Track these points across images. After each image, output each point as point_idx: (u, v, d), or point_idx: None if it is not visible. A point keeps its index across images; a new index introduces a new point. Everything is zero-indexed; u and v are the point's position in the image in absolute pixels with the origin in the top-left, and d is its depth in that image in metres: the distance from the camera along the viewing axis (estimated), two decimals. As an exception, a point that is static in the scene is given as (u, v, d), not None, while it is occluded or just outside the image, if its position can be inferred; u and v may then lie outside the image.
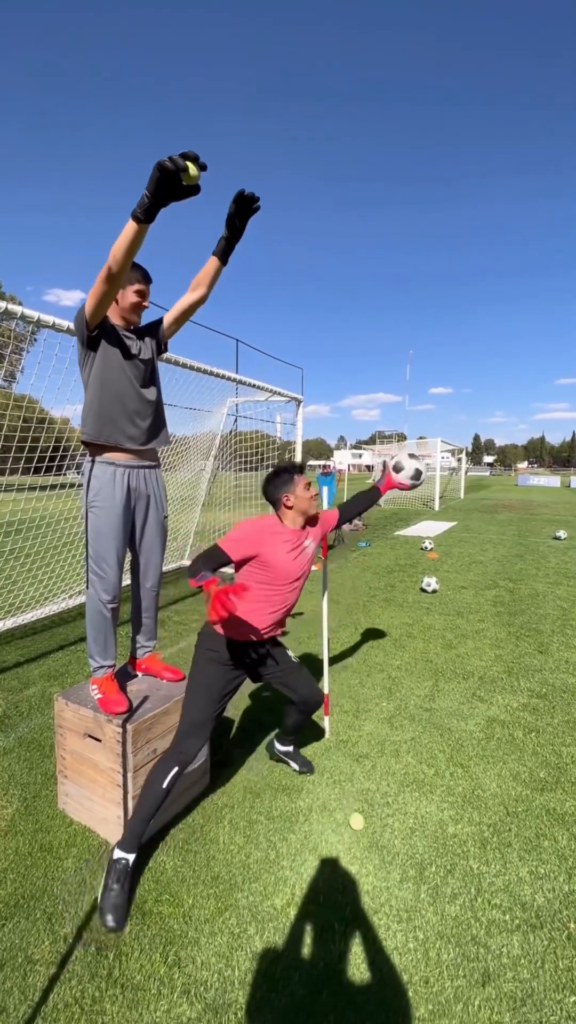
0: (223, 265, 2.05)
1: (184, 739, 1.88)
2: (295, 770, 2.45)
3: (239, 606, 1.93)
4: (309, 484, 2.12)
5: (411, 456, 2.43)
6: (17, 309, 3.01)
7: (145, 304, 2.17)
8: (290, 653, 2.26)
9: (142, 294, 2.12)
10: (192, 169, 1.46)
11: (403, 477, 2.40)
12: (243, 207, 1.83)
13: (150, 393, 2.18)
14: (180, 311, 2.23)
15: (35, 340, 4.10)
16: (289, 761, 2.48)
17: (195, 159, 1.45)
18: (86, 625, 2.17)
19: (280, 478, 2.11)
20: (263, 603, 2.05)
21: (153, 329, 2.25)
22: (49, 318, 3.12)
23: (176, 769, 1.81)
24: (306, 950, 1.58)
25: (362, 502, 2.46)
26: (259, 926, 1.65)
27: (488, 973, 1.51)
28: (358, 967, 1.53)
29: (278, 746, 2.51)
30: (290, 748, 2.49)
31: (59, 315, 3.23)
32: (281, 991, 1.45)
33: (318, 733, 2.81)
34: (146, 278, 2.13)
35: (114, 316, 2.12)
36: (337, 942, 1.60)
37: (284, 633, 2.24)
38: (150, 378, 2.21)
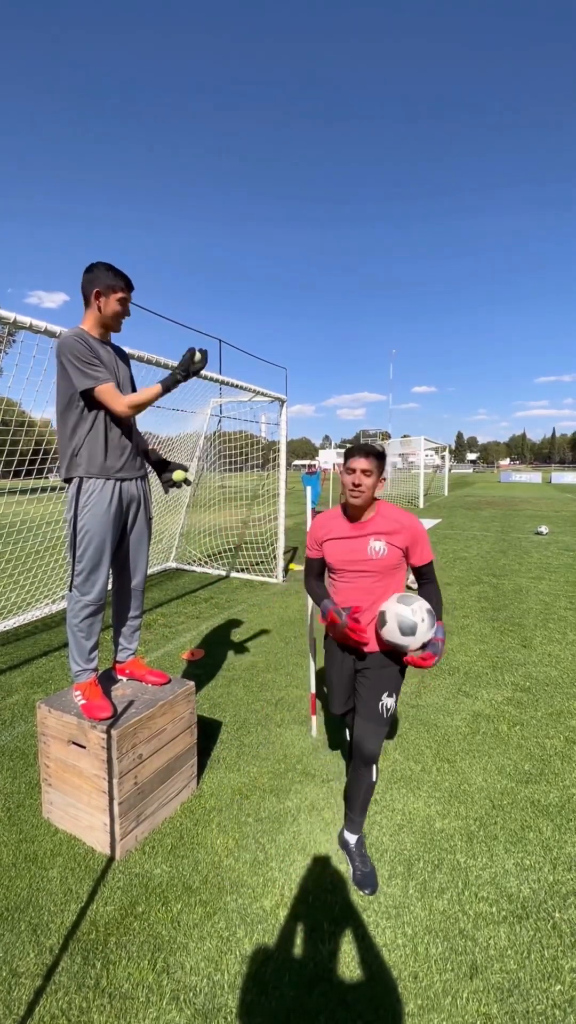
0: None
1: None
2: (353, 877, 1.86)
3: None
4: (355, 470, 1.84)
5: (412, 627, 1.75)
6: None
7: (127, 313, 2.15)
8: (384, 699, 1.90)
9: (124, 302, 2.10)
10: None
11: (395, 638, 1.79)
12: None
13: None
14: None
15: (13, 342, 4.03)
16: (350, 861, 1.92)
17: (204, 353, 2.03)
18: (67, 629, 2.13)
19: (350, 447, 1.91)
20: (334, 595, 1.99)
21: (126, 360, 2.29)
22: (26, 319, 3.07)
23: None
24: (296, 951, 1.58)
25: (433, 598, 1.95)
26: (248, 929, 1.65)
27: (476, 965, 1.53)
28: (348, 965, 1.53)
29: (345, 833, 2.01)
30: (355, 838, 1.97)
31: (38, 317, 3.17)
32: (271, 993, 1.45)
33: (304, 732, 2.81)
34: (129, 286, 2.10)
35: (94, 327, 2.10)
36: (327, 941, 1.60)
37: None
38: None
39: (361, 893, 1.80)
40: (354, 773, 1.96)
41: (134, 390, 2.33)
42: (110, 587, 2.25)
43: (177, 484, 2.34)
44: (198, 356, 2.00)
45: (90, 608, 2.09)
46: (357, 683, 2.00)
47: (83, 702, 2.02)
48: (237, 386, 5.62)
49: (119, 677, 2.36)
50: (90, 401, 2.01)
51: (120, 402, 2.00)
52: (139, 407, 2.05)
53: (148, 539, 2.32)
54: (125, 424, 2.13)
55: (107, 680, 2.31)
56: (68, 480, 2.07)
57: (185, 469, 2.38)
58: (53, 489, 5.61)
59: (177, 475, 2.33)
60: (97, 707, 1.97)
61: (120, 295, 2.06)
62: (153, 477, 2.41)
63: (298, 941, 1.61)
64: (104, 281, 2.04)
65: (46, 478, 5.02)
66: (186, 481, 2.37)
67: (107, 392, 1.98)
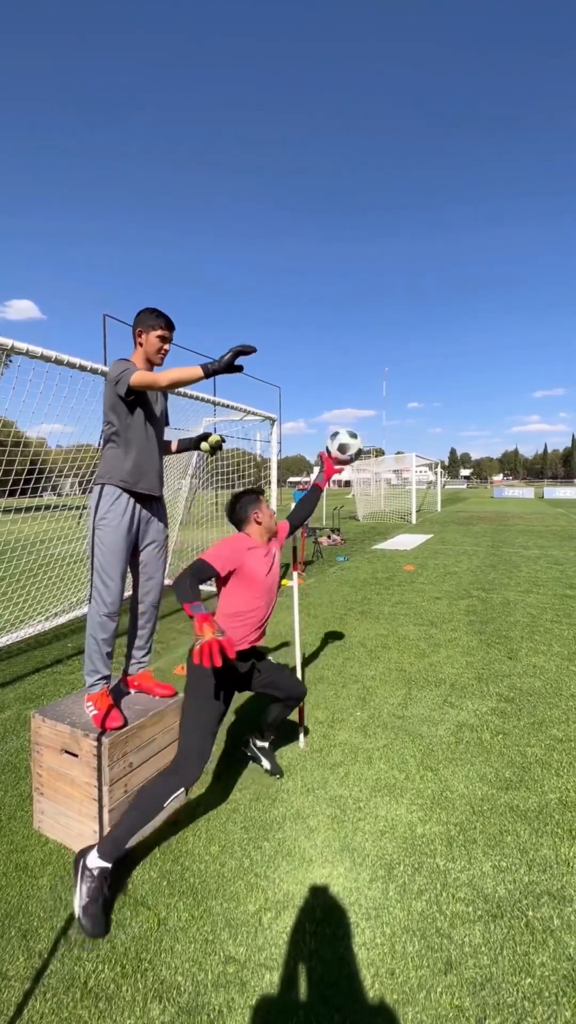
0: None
1: (187, 761, 1.95)
2: (265, 770, 2.54)
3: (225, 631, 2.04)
4: (268, 504, 2.36)
5: (351, 436, 2.65)
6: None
7: (166, 348, 2.35)
8: (270, 657, 2.44)
9: (164, 339, 2.31)
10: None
11: (347, 455, 2.63)
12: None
13: (161, 445, 2.46)
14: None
15: (9, 363, 4.16)
16: (262, 759, 2.57)
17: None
18: (85, 638, 2.26)
19: (247, 498, 2.32)
20: (244, 615, 2.20)
21: (165, 393, 2.54)
22: (23, 345, 3.20)
23: (181, 790, 1.91)
24: (277, 951, 1.63)
25: (307, 505, 2.65)
26: (232, 931, 1.70)
27: (450, 962, 1.59)
28: (327, 964, 1.59)
29: (257, 742, 2.60)
30: (267, 744, 2.59)
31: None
32: (252, 991, 1.50)
33: (292, 743, 2.87)
34: (169, 325, 2.31)
35: (139, 360, 2.30)
36: (308, 941, 1.66)
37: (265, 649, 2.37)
38: (162, 432, 2.49)
39: (277, 777, 2.50)
40: (285, 709, 2.44)
41: (168, 423, 2.56)
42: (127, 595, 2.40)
43: (218, 447, 2.65)
44: (228, 357, 2.01)
45: (106, 617, 2.23)
46: (253, 672, 2.29)
47: (95, 712, 2.09)
48: (228, 406, 5.77)
49: (128, 690, 2.44)
50: (129, 410, 2.22)
51: (162, 377, 2.09)
52: (174, 384, 2.11)
53: (164, 556, 2.50)
54: (153, 443, 2.36)
55: (116, 692, 2.38)
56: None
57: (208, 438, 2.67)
58: (48, 508, 5.70)
59: (213, 439, 2.63)
60: (110, 717, 2.05)
61: (160, 332, 2.28)
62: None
63: (279, 942, 1.66)
64: (146, 322, 2.28)
65: (41, 496, 5.11)
66: (220, 444, 2.67)
67: (142, 375, 2.11)
